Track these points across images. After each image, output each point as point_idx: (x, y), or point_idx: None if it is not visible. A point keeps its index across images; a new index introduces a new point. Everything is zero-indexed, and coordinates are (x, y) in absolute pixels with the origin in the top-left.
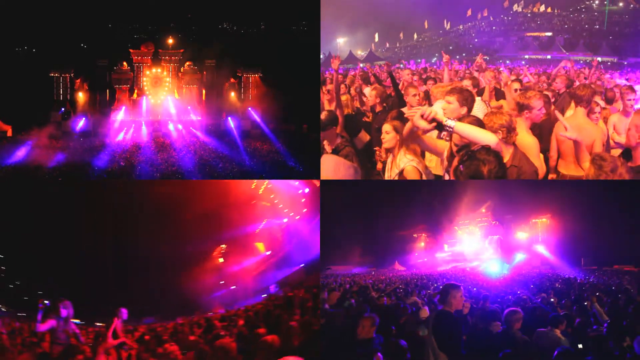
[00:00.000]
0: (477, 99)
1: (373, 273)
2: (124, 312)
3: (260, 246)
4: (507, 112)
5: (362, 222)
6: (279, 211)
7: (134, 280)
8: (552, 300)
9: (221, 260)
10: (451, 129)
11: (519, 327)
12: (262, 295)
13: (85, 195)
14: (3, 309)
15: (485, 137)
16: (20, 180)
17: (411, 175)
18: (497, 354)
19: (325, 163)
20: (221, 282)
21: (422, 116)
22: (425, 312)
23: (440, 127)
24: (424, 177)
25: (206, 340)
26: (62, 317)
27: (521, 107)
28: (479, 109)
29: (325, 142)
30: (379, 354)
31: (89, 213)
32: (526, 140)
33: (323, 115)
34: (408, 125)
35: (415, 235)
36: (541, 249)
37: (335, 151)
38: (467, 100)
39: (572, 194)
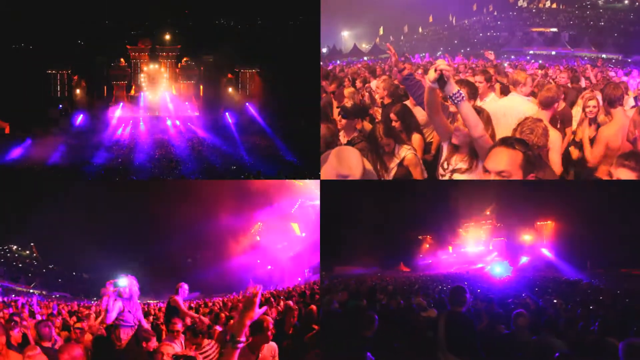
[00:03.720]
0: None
1: (379, 274)
2: (185, 287)
3: (295, 227)
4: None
5: (368, 223)
6: (313, 192)
7: (169, 255)
8: (555, 301)
9: (258, 238)
10: (459, 99)
11: (526, 329)
12: (298, 279)
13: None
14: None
15: (478, 128)
16: (18, 177)
17: (413, 162)
18: (504, 356)
19: (345, 155)
20: (258, 261)
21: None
22: (433, 313)
23: (441, 81)
24: (422, 167)
25: None
26: (125, 297)
27: (551, 101)
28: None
29: (341, 133)
30: (368, 353)
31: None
32: (551, 134)
33: (349, 104)
34: (426, 89)
35: (420, 237)
36: (546, 252)
37: (351, 143)
38: (473, 93)
39: (577, 196)
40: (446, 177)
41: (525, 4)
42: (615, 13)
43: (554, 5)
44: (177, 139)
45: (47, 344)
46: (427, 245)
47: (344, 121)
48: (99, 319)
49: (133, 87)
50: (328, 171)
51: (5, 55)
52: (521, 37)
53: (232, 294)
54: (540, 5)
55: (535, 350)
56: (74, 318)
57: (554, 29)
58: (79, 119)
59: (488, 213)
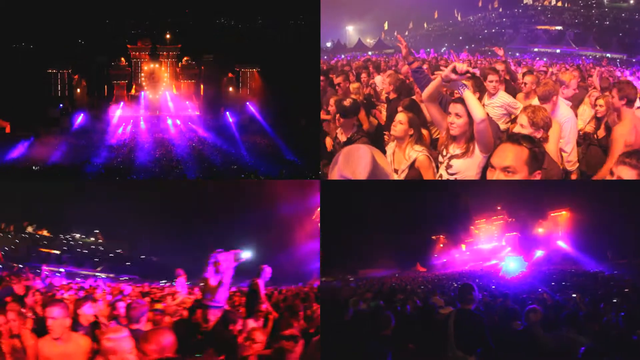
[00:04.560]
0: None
1: (397, 275)
2: (268, 270)
3: None
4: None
5: (382, 226)
6: None
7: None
8: (574, 296)
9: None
10: (463, 88)
11: (538, 324)
12: None
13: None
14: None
15: (479, 113)
16: (19, 176)
17: (424, 165)
18: (518, 352)
19: (354, 157)
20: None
21: (453, 69)
22: (448, 310)
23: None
24: (434, 169)
25: None
26: (214, 272)
27: (549, 94)
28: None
29: (339, 131)
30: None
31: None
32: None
33: (347, 102)
34: (434, 82)
35: (433, 237)
36: (562, 244)
37: (350, 140)
38: (479, 87)
39: (590, 189)
40: (444, 164)
41: (530, 1)
42: (620, 12)
43: (559, 3)
44: (178, 138)
45: (136, 327)
46: (441, 245)
47: (342, 119)
48: (189, 299)
49: (133, 86)
50: (334, 171)
51: (5, 55)
52: (526, 35)
53: (298, 284)
54: (546, 2)
55: (556, 346)
56: (148, 299)
57: (559, 27)
58: (80, 118)
59: (499, 208)
